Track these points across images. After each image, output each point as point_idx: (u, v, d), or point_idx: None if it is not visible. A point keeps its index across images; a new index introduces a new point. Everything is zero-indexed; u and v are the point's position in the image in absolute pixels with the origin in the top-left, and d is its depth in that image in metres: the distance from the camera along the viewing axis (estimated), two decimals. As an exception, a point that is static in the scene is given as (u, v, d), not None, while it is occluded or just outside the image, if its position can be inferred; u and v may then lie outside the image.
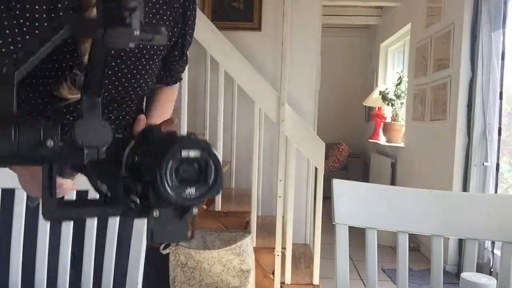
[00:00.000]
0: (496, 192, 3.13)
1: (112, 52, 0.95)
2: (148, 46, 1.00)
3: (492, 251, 3.05)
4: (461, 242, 3.28)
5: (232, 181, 3.31)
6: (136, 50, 0.99)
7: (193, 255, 2.26)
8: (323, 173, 2.45)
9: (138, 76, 1.01)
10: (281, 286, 2.48)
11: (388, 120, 5.38)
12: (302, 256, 2.94)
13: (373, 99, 5.54)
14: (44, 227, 1.07)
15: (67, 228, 1.09)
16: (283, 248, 2.47)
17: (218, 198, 2.60)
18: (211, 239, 2.50)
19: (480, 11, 3.20)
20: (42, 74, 0.91)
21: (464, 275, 0.65)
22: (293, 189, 2.50)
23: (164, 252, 2.32)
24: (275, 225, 2.47)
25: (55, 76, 0.91)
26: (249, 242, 2.37)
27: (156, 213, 0.37)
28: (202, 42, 2.54)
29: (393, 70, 5.89)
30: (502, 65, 3.09)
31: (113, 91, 0.99)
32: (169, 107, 1.21)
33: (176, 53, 1.12)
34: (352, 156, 6.49)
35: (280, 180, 2.50)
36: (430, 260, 1.01)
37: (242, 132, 3.20)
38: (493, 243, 3.02)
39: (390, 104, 5.21)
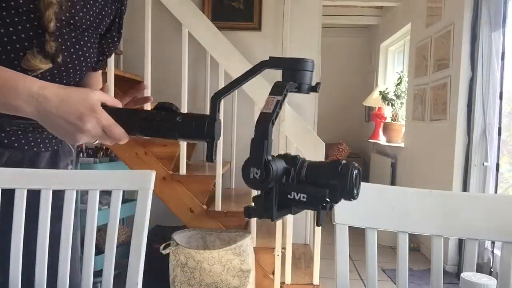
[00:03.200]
0: (496, 192, 3.13)
1: (69, 20, 1.00)
2: (95, 19, 1.06)
3: (492, 251, 3.05)
4: (461, 242, 3.28)
5: (232, 181, 3.31)
6: (84, 21, 1.03)
7: (193, 255, 2.26)
8: (323, 173, 2.45)
9: (85, 49, 1.05)
10: (281, 286, 2.48)
11: (388, 120, 5.38)
12: (302, 256, 2.94)
13: (373, 99, 5.54)
14: (44, 226, 1.07)
15: (67, 228, 1.09)
16: (283, 248, 2.47)
17: (218, 198, 2.60)
18: (211, 239, 2.50)
19: (480, 11, 3.20)
20: (10, 46, 0.93)
21: (464, 275, 0.65)
22: (293, 189, 2.49)
23: (164, 252, 2.32)
24: (275, 225, 2.47)
25: (23, 47, 0.93)
26: (249, 242, 2.37)
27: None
28: (202, 42, 2.54)
29: (393, 70, 5.90)
30: (502, 65, 3.09)
31: (62, 68, 1.01)
32: None
33: (113, 31, 1.16)
34: (352, 156, 6.48)
35: (280, 180, 2.50)
36: (430, 260, 1.01)
37: (242, 132, 3.19)
38: (493, 243, 3.02)
39: (390, 104, 5.21)
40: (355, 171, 0.56)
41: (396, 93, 5.14)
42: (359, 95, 6.51)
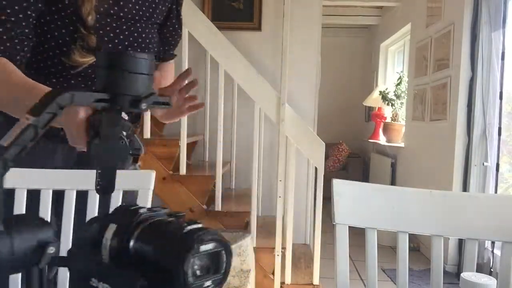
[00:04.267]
0: (496, 192, 3.13)
1: (112, 12, 1.01)
2: (147, 9, 1.06)
3: (492, 251, 3.05)
4: (461, 242, 3.28)
5: (232, 181, 3.31)
6: (134, 12, 1.04)
7: (193, 255, 2.26)
8: (323, 173, 2.45)
9: (140, 40, 1.05)
10: (281, 286, 2.48)
11: (388, 120, 5.38)
12: (302, 256, 2.94)
13: (373, 99, 5.54)
14: (68, 226, 1.07)
15: (67, 228, 1.09)
16: (283, 248, 2.47)
17: (218, 198, 2.60)
18: (211, 239, 2.50)
19: (480, 11, 3.20)
20: (51, 43, 0.96)
21: (464, 275, 0.65)
22: (293, 189, 2.49)
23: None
24: (275, 225, 2.47)
25: (63, 42, 0.95)
26: (249, 242, 2.37)
27: None
28: (202, 42, 2.54)
29: (393, 70, 5.89)
30: (502, 65, 3.09)
31: None
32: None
33: (173, 19, 1.17)
34: (352, 156, 6.49)
35: (280, 180, 2.50)
36: (430, 260, 1.01)
37: (242, 132, 3.19)
38: (493, 243, 3.02)
39: (390, 104, 5.21)
40: (206, 248, 0.36)
41: (396, 93, 5.14)
42: (359, 95, 6.51)
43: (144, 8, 1.06)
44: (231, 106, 3.21)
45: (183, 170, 2.61)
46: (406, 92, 4.89)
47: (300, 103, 3.17)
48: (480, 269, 3.00)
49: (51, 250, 0.40)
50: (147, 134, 2.67)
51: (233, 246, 2.30)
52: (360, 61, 7.03)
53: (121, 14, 1.02)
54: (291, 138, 2.46)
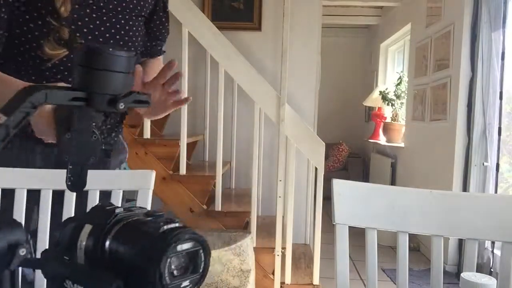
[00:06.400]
0: (496, 192, 3.13)
1: (91, 1, 0.98)
2: (131, 0, 1.03)
3: (492, 251, 3.04)
4: (461, 242, 3.28)
5: (232, 181, 3.31)
6: (116, 2, 1.01)
7: (193, 255, 2.26)
8: (323, 173, 2.45)
9: (122, 32, 1.02)
10: (281, 286, 2.48)
11: (388, 120, 5.38)
12: (302, 256, 2.94)
13: (373, 99, 5.54)
14: (44, 226, 1.07)
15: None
16: (283, 248, 2.47)
17: (218, 198, 2.60)
18: (211, 239, 2.50)
19: (480, 11, 3.20)
20: (26, 36, 0.93)
21: (464, 275, 0.65)
22: (293, 189, 2.49)
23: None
24: (275, 225, 2.47)
25: (38, 35, 0.93)
26: (249, 242, 2.37)
27: None
28: (202, 42, 2.54)
29: (393, 70, 5.89)
30: (502, 65, 3.09)
31: None
32: None
33: (159, 11, 1.13)
34: (352, 156, 6.49)
35: (280, 180, 2.50)
36: (430, 260, 1.01)
37: (242, 132, 3.19)
38: (493, 243, 3.02)
39: (390, 104, 5.21)
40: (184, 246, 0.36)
41: (396, 93, 5.14)
42: (359, 95, 6.51)
43: (127, 0, 1.02)
44: (231, 106, 3.21)
45: (183, 170, 2.61)
46: (406, 92, 4.89)
47: (300, 103, 3.17)
48: (480, 269, 3.00)
49: (22, 251, 0.39)
50: (147, 134, 2.67)
51: (233, 246, 2.30)
52: (360, 61, 7.03)
53: (101, 4, 0.99)
54: (291, 138, 2.46)
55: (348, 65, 7.05)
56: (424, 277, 3.20)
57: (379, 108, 5.57)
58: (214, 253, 2.28)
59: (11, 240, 0.39)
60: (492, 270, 3.02)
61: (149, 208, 1.10)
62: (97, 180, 1.11)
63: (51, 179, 1.06)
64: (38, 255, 0.43)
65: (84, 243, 0.39)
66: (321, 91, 3.77)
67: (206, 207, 2.63)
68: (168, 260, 0.36)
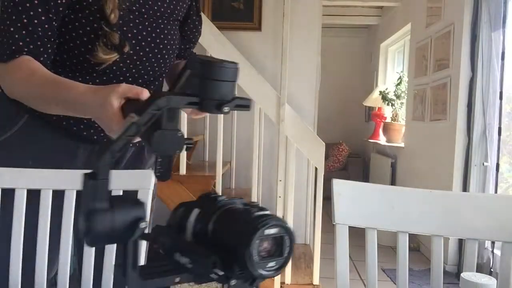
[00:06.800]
0: (496, 192, 3.13)
1: (134, 8, 1.02)
2: (168, 6, 1.07)
3: (492, 251, 3.04)
4: (461, 242, 3.28)
5: (232, 181, 3.31)
6: (156, 8, 1.05)
7: (193, 255, 2.26)
8: (323, 173, 2.45)
9: (162, 37, 1.06)
10: (281, 286, 2.48)
11: (388, 120, 5.38)
12: (302, 256, 2.94)
13: (373, 99, 5.54)
14: (44, 226, 1.07)
15: (68, 228, 1.09)
16: (283, 248, 2.46)
17: (218, 198, 2.60)
18: (211, 239, 2.50)
19: (480, 11, 3.19)
20: (76, 41, 0.97)
21: (464, 275, 0.65)
22: (293, 189, 2.49)
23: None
24: (275, 225, 2.46)
25: (87, 40, 0.97)
26: (249, 242, 2.36)
27: (233, 282, 0.44)
28: (202, 42, 2.54)
29: (393, 70, 5.89)
30: (502, 65, 3.08)
31: (144, 58, 1.04)
32: None
33: (193, 15, 1.18)
34: (352, 156, 6.49)
35: (280, 180, 2.50)
36: (430, 260, 1.01)
37: (242, 132, 3.19)
38: (493, 243, 3.02)
39: (390, 104, 5.21)
40: (271, 232, 0.42)
41: (396, 93, 5.14)
42: (359, 95, 6.51)
43: (165, 5, 1.07)
44: (231, 106, 3.20)
45: (183, 170, 2.61)
46: (406, 92, 4.89)
47: (300, 103, 3.17)
48: (480, 269, 3.00)
49: (143, 225, 0.46)
50: (147, 134, 2.67)
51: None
52: (360, 61, 7.03)
53: (143, 10, 1.03)
54: (291, 138, 2.46)
55: (348, 65, 7.05)
56: (424, 277, 3.19)
57: (379, 108, 5.57)
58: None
59: (135, 215, 0.46)
60: (492, 270, 3.02)
61: (149, 208, 1.10)
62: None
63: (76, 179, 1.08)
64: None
65: (192, 224, 0.47)
66: (321, 91, 3.77)
67: (206, 207, 2.63)
68: (257, 241, 0.42)
